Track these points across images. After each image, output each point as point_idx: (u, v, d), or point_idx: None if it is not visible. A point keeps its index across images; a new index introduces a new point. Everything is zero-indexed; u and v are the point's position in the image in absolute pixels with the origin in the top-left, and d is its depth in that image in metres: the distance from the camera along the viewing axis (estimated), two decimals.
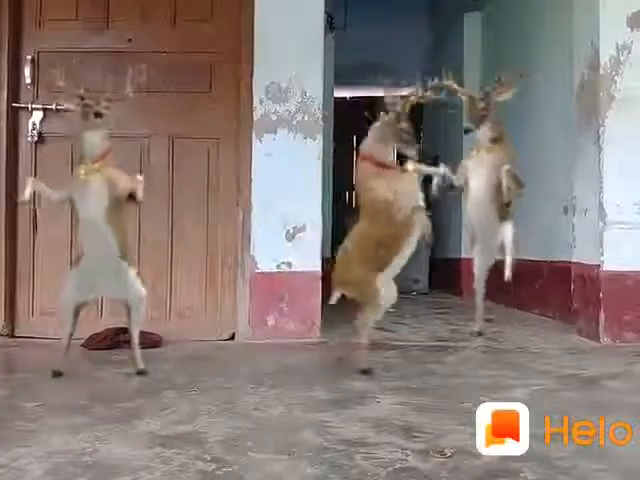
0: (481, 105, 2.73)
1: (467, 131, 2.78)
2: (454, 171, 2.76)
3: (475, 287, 3.02)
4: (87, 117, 2.22)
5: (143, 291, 2.29)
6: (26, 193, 2.20)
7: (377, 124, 2.27)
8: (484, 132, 2.77)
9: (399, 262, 2.25)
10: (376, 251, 2.22)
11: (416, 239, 2.26)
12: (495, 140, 2.76)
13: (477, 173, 2.79)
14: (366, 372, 2.27)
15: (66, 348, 2.29)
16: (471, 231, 2.96)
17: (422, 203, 2.29)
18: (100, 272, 2.26)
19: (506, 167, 2.71)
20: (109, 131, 2.28)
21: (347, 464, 1.39)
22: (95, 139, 2.23)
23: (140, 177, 2.27)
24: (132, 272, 2.28)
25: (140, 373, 2.27)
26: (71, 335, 2.30)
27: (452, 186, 2.73)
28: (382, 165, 2.25)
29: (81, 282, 2.26)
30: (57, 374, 2.24)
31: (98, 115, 2.23)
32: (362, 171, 2.30)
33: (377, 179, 2.24)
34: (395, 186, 2.22)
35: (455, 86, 2.72)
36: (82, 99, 2.23)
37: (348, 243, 2.28)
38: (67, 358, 2.31)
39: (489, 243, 2.88)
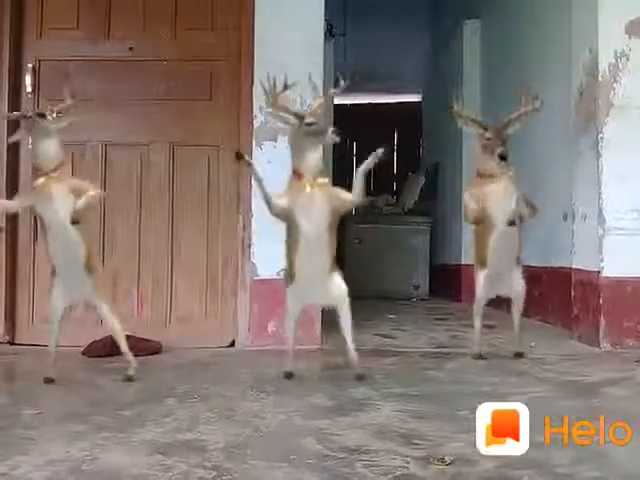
0: (504, 133, 2.61)
1: (504, 157, 2.58)
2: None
3: (474, 309, 2.78)
4: (32, 121, 2.22)
5: (104, 298, 2.32)
6: None
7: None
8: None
9: None
10: None
11: None
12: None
13: (504, 201, 2.60)
14: (289, 376, 2.32)
15: (54, 354, 2.33)
16: (485, 257, 2.69)
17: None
18: (72, 280, 2.30)
19: (518, 193, 2.61)
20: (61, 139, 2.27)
21: (347, 471, 1.39)
22: (49, 149, 2.22)
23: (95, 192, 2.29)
24: (94, 279, 2.30)
25: (129, 379, 2.29)
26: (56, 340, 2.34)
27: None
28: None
29: (62, 289, 2.30)
30: (49, 380, 2.26)
31: (40, 116, 2.21)
32: None
33: None
34: None
35: (479, 120, 2.68)
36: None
37: None
38: (56, 363, 2.33)
39: (502, 277, 2.70)
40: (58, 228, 2.22)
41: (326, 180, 2.30)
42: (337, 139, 2.24)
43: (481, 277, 2.70)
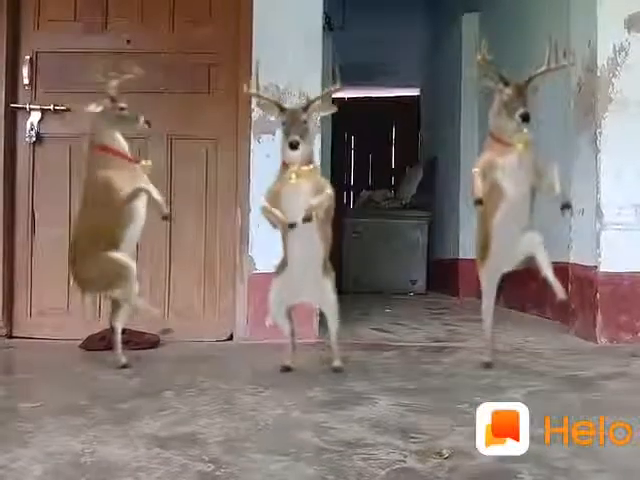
0: (526, 91, 2.32)
1: (526, 119, 2.23)
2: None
3: (483, 312, 2.46)
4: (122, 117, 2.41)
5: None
6: None
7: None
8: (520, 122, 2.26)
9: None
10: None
11: None
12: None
13: (518, 172, 2.30)
14: (287, 370, 2.34)
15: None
16: (485, 239, 2.39)
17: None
18: None
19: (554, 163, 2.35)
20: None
21: (345, 465, 1.39)
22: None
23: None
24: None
25: (123, 367, 2.39)
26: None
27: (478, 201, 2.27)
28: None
29: None
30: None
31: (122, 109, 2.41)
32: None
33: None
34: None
35: (502, 73, 2.35)
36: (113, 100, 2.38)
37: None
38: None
39: (510, 253, 2.39)
40: None
41: (311, 166, 2.26)
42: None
43: (485, 274, 2.40)
